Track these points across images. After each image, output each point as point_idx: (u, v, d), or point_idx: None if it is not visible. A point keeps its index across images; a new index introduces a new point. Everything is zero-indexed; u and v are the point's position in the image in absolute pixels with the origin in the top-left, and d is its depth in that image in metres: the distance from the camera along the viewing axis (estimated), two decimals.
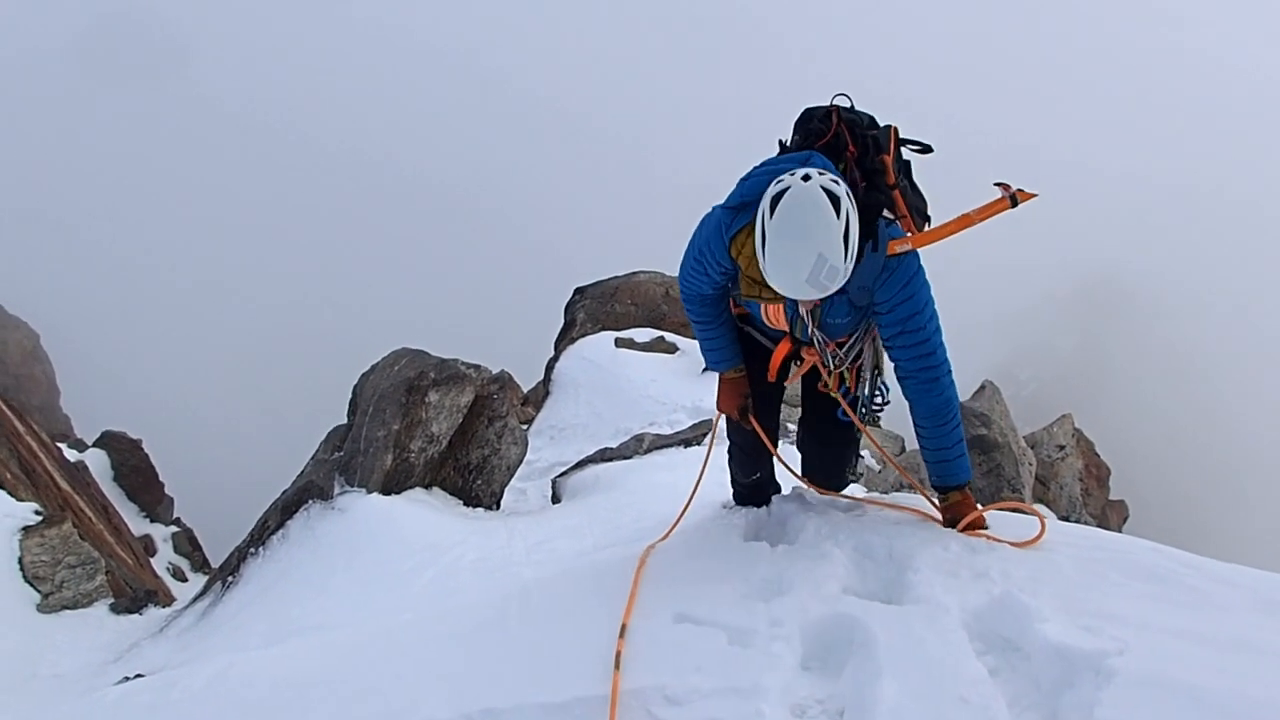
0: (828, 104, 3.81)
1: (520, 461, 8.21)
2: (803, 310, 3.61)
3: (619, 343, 14.04)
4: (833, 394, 3.98)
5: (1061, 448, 12.87)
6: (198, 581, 10.42)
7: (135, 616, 7.26)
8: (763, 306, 3.77)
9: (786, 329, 3.85)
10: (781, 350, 4.03)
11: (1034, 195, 3.50)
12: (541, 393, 13.96)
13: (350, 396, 8.18)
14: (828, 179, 3.17)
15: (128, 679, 4.90)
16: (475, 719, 2.70)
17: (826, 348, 3.82)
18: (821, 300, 3.46)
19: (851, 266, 3.18)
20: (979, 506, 3.68)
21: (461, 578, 5.15)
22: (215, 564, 8.36)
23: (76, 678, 5.97)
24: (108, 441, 13.83)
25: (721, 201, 3.75)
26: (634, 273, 17.32)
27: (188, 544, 12.07)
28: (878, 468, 9.16)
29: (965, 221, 3.49)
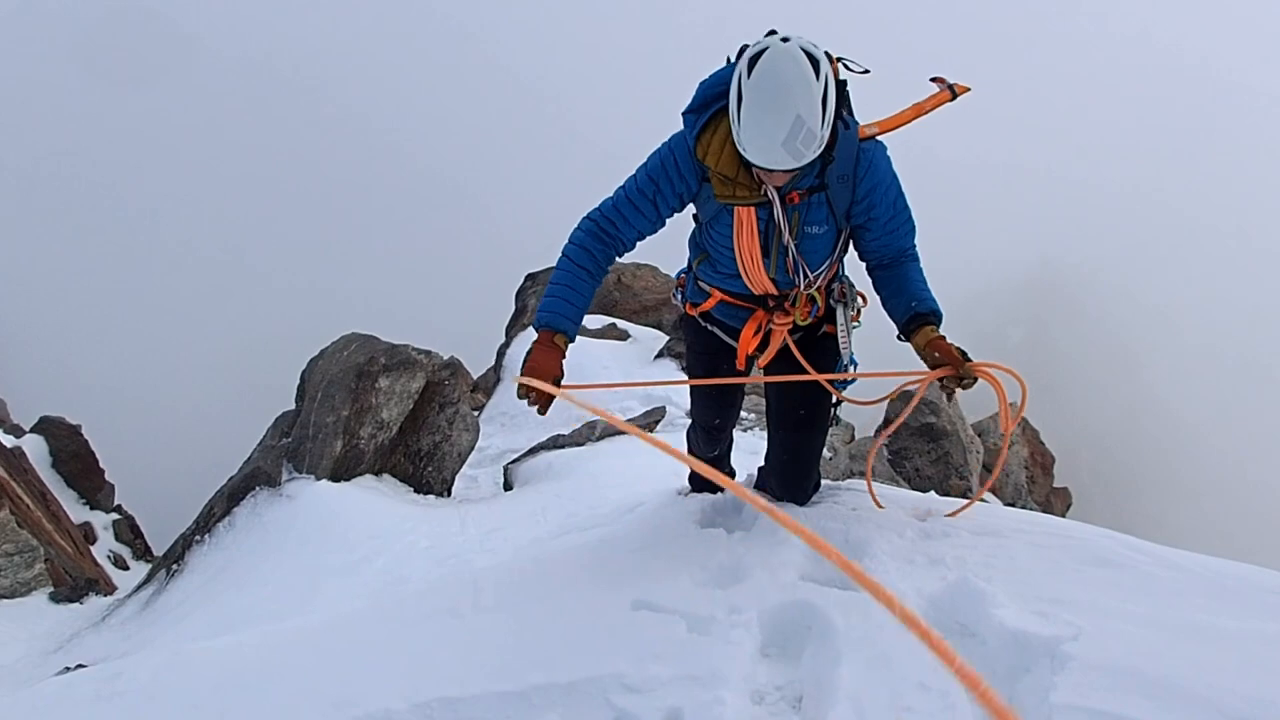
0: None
1: (472, 448, 8.15)
2: (778, 214, 3.44)
3: None
4: (801, 323, 3.82)
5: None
6: (140, 570, 10.20)
7: (76, 605, 7.10)
8: (735, 235, 3.57)
9: (760, 271, 3.63)
10: (749, 331, 3.87)
11: (968, 89, 3.62)
12: (492, 379, 13.87)
13: (299, 382, 8.04)
14: (805, 39, 3.08)
15: (69, 669, 4.78)
16: (431, 708, 2.65)
17: (800, 269, 3.64)
18: (799, 197, 3.39)
19: (827, 135, 3.10)
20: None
21: (413, 565, 5.08)
22: (158, 552, 8.18)
23: (15, 668, 5.82)
24: (46, 427, 13.46)
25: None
26: None
27: (129, 531, 11.78)
28: (828, 454, 9.22)
29: (917, 110, 3.58)
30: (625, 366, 12.48)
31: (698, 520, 3.97)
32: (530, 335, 14.02)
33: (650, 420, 9.33)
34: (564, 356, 3.64)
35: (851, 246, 3.78)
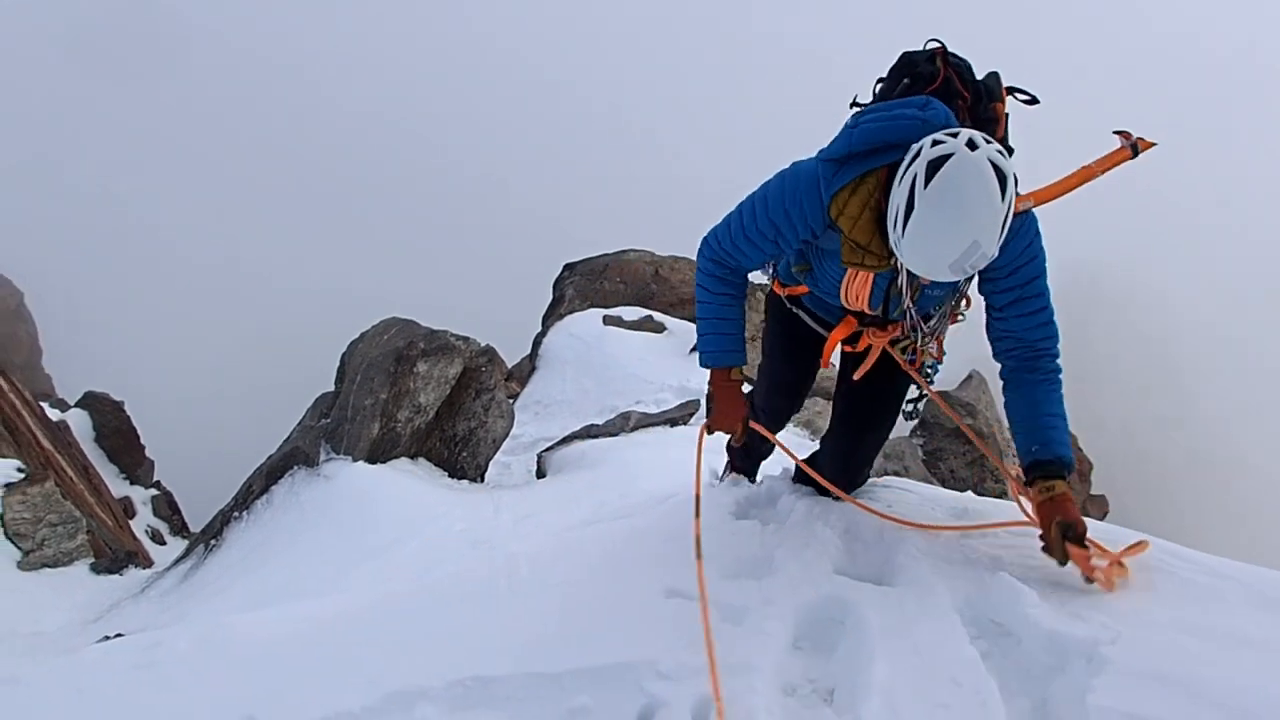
0: (927, 47, 3.36)
1: (506, 435, 8.19)
2: (902, 280, 3.17)
3: (607, 320, 14.03)
4: (904, 368, 3.52)
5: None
6: (176, 545, 10.37)
7: (115, 577, 7.23)
8: (847, 280, 3.29)
9: (863, 307, 3.35)
10: (842, 331, 3.55)
11: (1154, 144, 3.20)
12: (527, 368, 13.92)
13: (338, 364, 8.14)
14: (995, 149, 2.69)
15: (108, 638, 4.88)
16: (465, 686, 2.69)
17: (914, 322, 3.34)
18: None
19: (998, 252, 2.75)
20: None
21: (448, 548, 5.13)
22: (194, 529, 8.32)
23: (57, 636, 5.94)
24: (90, 402, 13.73)
25: (804, 159, 3.21)
26: (623, 251, 17.28)
27: (167, 508, 12.00)
28: None
29: (1087, 174, 3.17)
30: (661, 359, 12.50)
31: (732, 512, 3.97)
32: (569, 324, 14.09)
33: (684, 413, 9.33)
34: (743, 386, 3.58)
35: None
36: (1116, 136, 3.21)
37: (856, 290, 3.30)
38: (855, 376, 3.67)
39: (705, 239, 3.48)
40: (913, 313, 3.28)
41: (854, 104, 3.43)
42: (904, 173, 2.75)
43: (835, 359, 3.86)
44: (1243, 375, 65.35)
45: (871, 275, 3.21)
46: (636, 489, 5.92)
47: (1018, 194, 2.82)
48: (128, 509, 11.46)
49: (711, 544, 3.56)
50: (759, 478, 4.56)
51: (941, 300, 3.34)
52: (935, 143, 2.72)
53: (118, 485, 12.14)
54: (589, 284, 16.42)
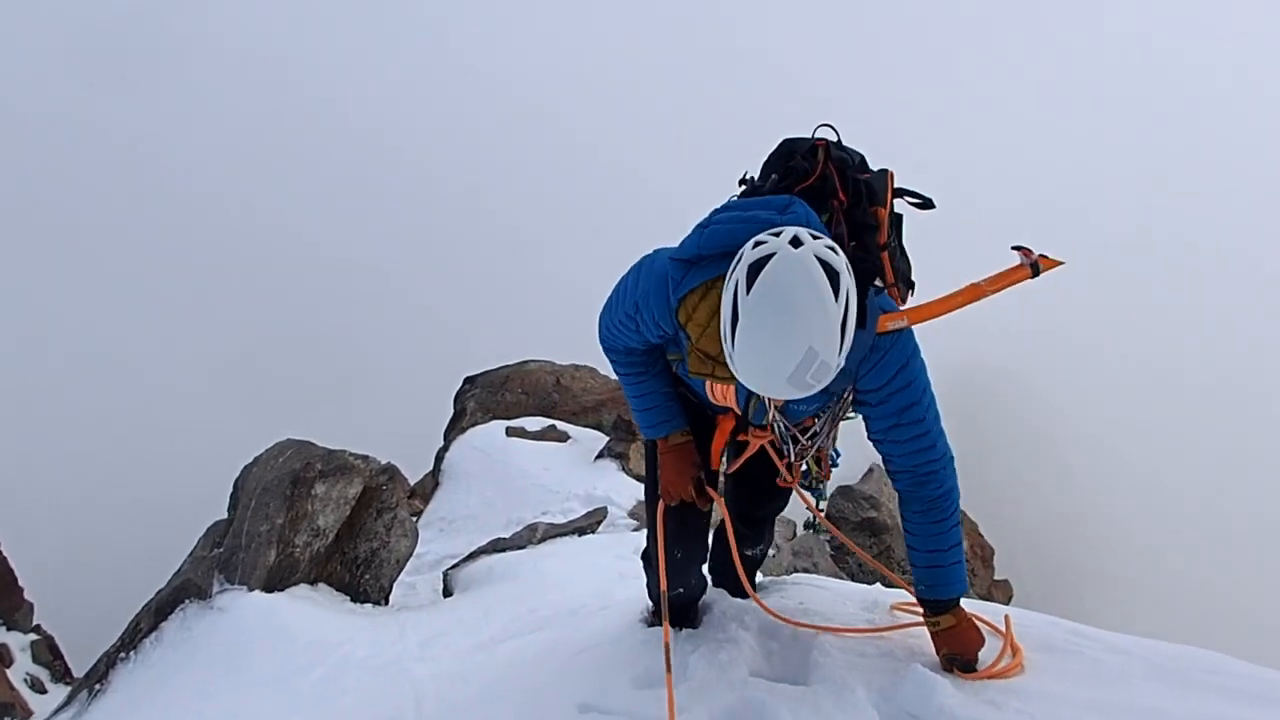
0: (811, 137, 3.15)
1: (410, 554, 7.97)
2: (766, 399, 2.98)
3: (510, 431, 13.92)
4: (788, 482, 3.33)
5: None
6: (58, 693, 9.71)
7: None
8: (708, 384, 3.10)
9: (732, 406, 3.15)
10: (724, 430, 3.33)
11: (1060, 263, 2.92)
12: (430, 484, 13.67)
13: (232, 490, 7.86)
14: (823, 245, 2.47)
15: None
16: None
17: (788, 433, 3.15)
18: None
19: (843, 362, 2.50)
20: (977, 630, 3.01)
21: (351, 677, 4.91)
22: (78, 674, 7.83)
23: None
24: None
25: (668, 247, 3.02)
26: (524, 361, 17.29)
27: (48, 652, 11.26)
28: (771, 551, 9.20)
29: (975, 293, 2.88)
30: (567, 468, 12.42)
31: (643, 619, 3.92)
32: (471, 437, 13.93)
33: (591, 521, 9.24)
34: (689, 451, 3.35)
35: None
36: (1016, 253, 2.92)
37: (721, 394, 3.11)
38: (728, 471, 3.57)
39: (599, 322, 3.32)
40: (781, 424, 3.10)
41: (742, 181, 3.28)
42: (728, 281, 2.51)
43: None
44: (1122, 463, 68.18)
45: (732, 391, 3.05)
46: (546, 601, 5.81)
47: (878, 300, 2.77)
48: (4, 657, 10.73)
49: (623, 653, 3.51)
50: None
51: (811, 411, 3.10)
52: (757, 244, 2.50)
53: None
54: (490, 396, 16.33)
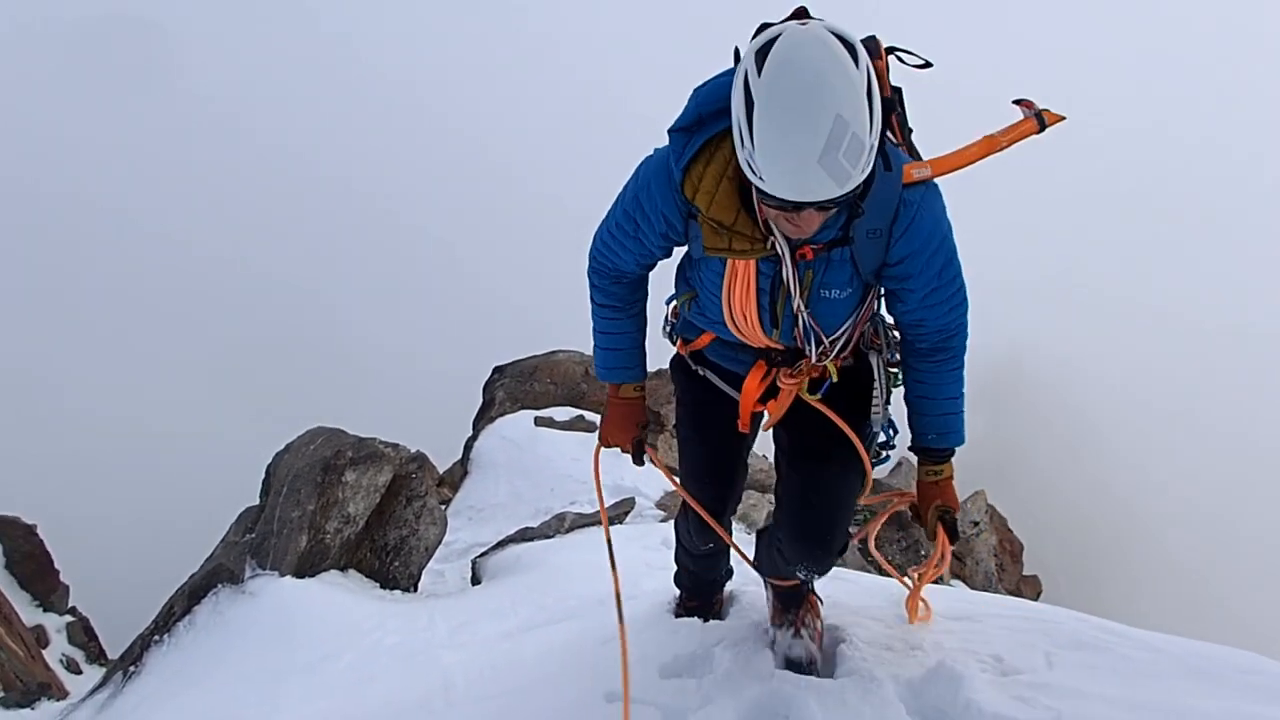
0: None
1: (439, 542, 8.03)
2: (787, 272, 2.64)
3: (538, 422, 13.97)
4: (846, 430, 2.96)
5: (976, 523, 13.11)
6: (93, 674, 9.88)
7: (27, 711, 6.85)
8: (725, 288, 2.79)
9: (755, 328, 2.83)
10: (753, 383, 3.02)
11: (1063, 117, 2.83)
12: (459, 473, 13.74)
13: (264, 476, 7.94)
14: (833, 24, 2.27)
15: None
16: None
17: (812, 336, 2.82)
18: (815, 251, 2.61)
19: (877, 145, 2.23)
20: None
21: (380, 663, 4.95)
22: (112, 655, 7.95)
23: None
24: (0, 528, 13.20)
25: (660, 147, 2.75)
26: (553, 351, 17.31)
27: (83, 634, 11.47)
28: None
29: (991, 144, 2.76)
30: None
31: (669, 609, 3.93)
32: (500, 427, 13.99)
33: (619, 511, 9.26)
34: (637, 408, 3.28)
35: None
36: (1016, 107, 2.84)
37: (739, 302, 2.80)
38: (765, 426, 3.27)
39: (589, 249, 3.13)
40: (805, 318, 2.77)
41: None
42: (736, 80, 2.28)
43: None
44: (1163, 451, 67.18)
45: (753, 276, 2.73)
46: (573, 591, 5.83)
47: (908, 143, 2.67)
48: (40, 638, 10.92)
49: (649, 642, 3.51)
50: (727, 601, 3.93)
51: (843, 306, 2.82)
52: (762, 35, 2.28)
53: (30, 613, 11.58)
54: (519, 386, 16.37)
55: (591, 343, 3.29)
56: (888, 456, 3.27)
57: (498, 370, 17.26)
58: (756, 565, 3.53)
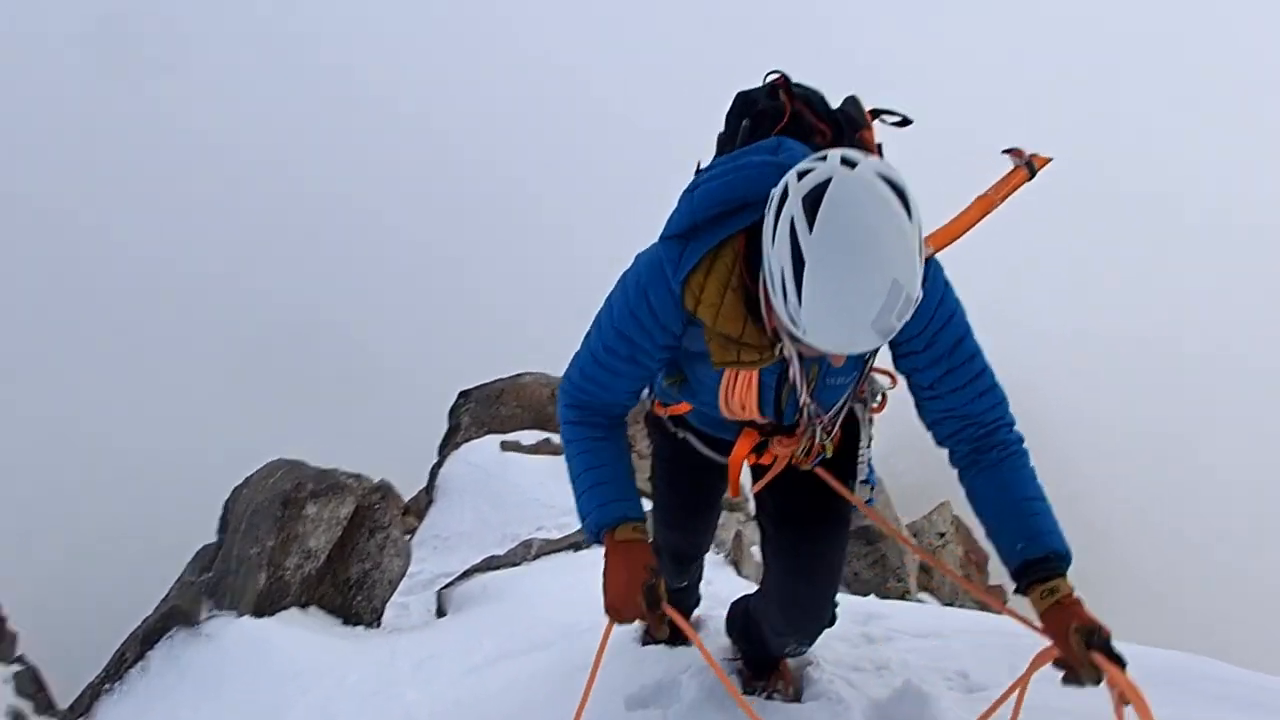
0: (765, 83, 2.79)
1: (403, 574, 7.89)
2: (794, 371, 2.52)
3: (505, 446, 13.83)
4: (832, 484, 2.89)
5: (942, 535, 13.13)
6: None
7: None
8: (725, 386, 2.64)
9: (753, 416, 2.69)
10: (742, 450, 2.84)
11: (1050, 159, 2.79)
12: (424, 501, 13.59)
13: (221, 512, 7.78)
14: (877, 162, 2.13)
15: None
16: None
17: (817, 423, 2.73)
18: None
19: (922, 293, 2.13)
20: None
21: (342, 703, 4.84)
22: (62, 705, 7.72)
23: None
24: None
25: (648, 250, 2.57)
26: (518, 374, 17.19)
27: (32, 684, 11.10)
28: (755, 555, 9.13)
29: (986, 204, 2.71)
30: (562, 483, 12.32)
31: (635, 637, 3.85)
32: (466, 452, 13.83)
33: (575, 540, 9.17)
34: (642, 550, 2.69)
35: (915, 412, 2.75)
36: (1006, 156, 2.80)
37: (739, 397, 2.66)
38: (755, 490, 3.05)
39: (562, 381, 2.83)
40: (812, 409, 2.69)
41: (698, 170, 2.79)
42: (773, 225, 2.16)
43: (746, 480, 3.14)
44: (1122, 473, 68.07)
45: (755, 375, 2.61)
46: (540, 619, 5.75)
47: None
48: None
49: (616, 673, 3.44)
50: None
51: (843, 389, 2.76)
52: (802, 174, 2.15)
53: None
54: (485, 410, 16.23)
55: (571, 481, 2.89)
56: (874, 500, 3.07)
57: (463, 395, 17.12)
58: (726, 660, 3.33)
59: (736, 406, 2.69)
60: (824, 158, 2.15)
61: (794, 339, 2.28)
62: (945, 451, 2.73)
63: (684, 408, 2.99)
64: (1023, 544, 2.52)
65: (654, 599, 2.60)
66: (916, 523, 13.01)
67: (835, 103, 2.84)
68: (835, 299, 2.08)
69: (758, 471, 3.04)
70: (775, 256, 2.14)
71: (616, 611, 2.69)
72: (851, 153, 2.14)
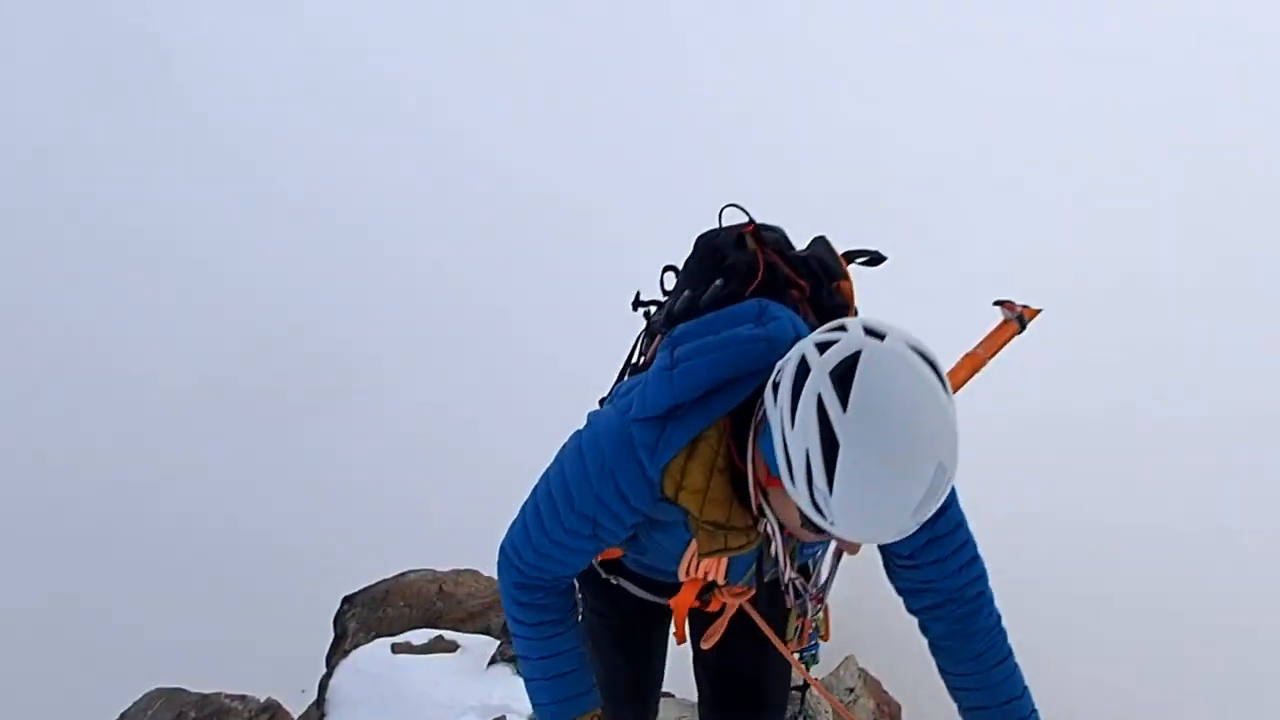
0: (722, 226, 2.63)
1: None
2: (777, 548, 2.38)
3: (395, 648, 13.33)
4: (773, 640, 2.75)
5: (851, 689, 13.06)
6: None
7: None
8: (689, 559, 2.50)
9: (718, 580, 2.57)
10: (688, 596, 2.68)
11: (1039, 311, 2.71)
12: (315, 717, 12.90)
13: None
14: (903, 331, 2.00)
15: None
16: None
17: (804, 591, 2.61)
18: None
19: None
20: None
21: None
22: None
23: None
24: None
25: (605, 416, 2.39)
26: (402, 573, 16.74)
27: None
28: None
29: (975, 362, 2.65)
30: (458, 680, 11.94)
31: None
32: (355, 660, 13.23)
33: None
34: None
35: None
36: (998, 308, 2.73)
37: (706, 569, 2.52)
38: (705, 645, 2.85)
39: (502, 552, 2.62)
40: (799, 582, 2.58)
41: (638, 303, 2.75)
42: (791, 404, 1.97)
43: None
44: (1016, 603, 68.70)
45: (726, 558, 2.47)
46: None
47: None
48: None
49: None
50: None
51: (823, 547, 2.63)
52: (822, 346, 2.00)
53: None
54: (371, 614, 15.67)
55: (525, 681, 2.69)
56: (816, 649, 2.94)
57: (347, 600, 16.50)
58: None
59: (701, 574, 2.55)
60: (843, 327, 2.05)
61: (811, 525, 2.11)
62: (913, 618, 2.67)
63: (616, 553, 2.81)
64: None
65: None
66: (825, 679, 12.93)
67: (798, 243, 2.71)
68: (876, 486, 1.91)
69: (697, 620, 2.87)
70: (796, 438, 1.97)
71: None
72: (874, 321, 2.02)
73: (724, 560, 2.50)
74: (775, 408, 2.04)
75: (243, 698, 7.53)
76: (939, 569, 2.48)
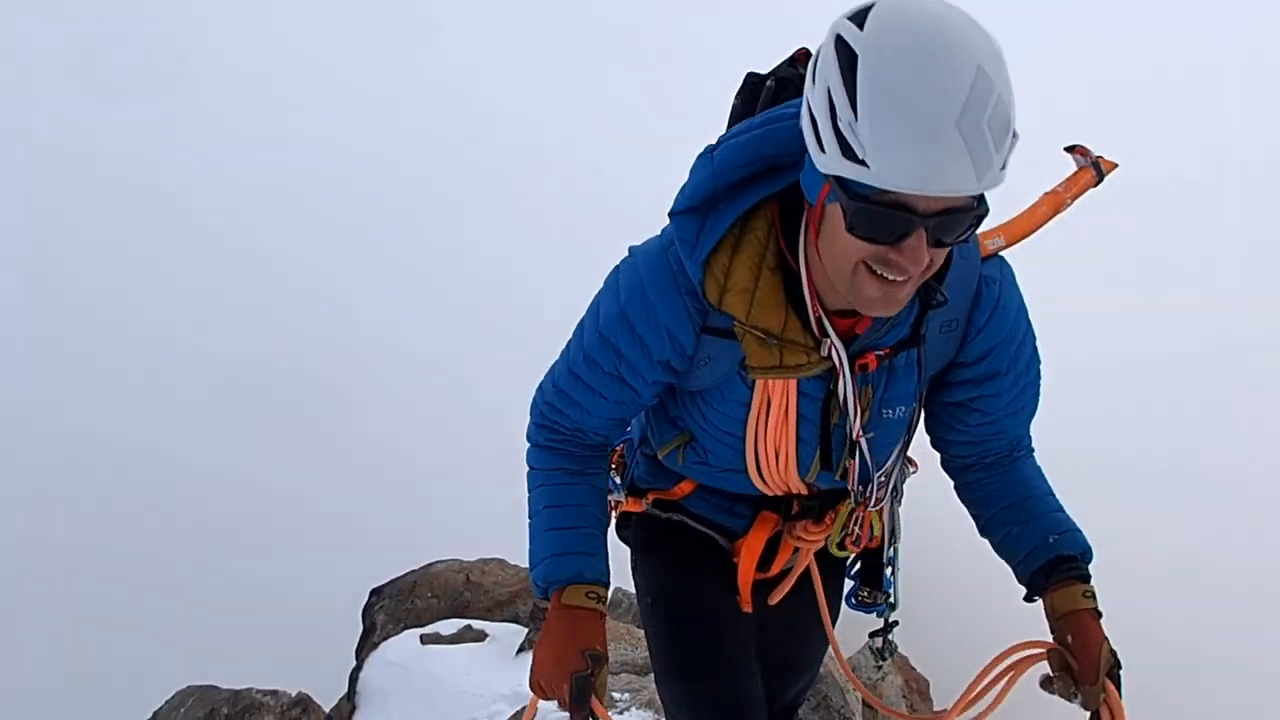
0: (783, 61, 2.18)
1: None
2: (845, 388, 2.03)
3: (424, 639, 13.45)
4: (820, 601, 2.65)
5: (879, 666, 13.07)
6: None
7: None
8: (754, 421, 2.13)
9: (789, 477, 2.24)
10: (757, 544, 2.40)
11: (1116, 165, 2.37)
12: (347, 709, 13.01)
13: None
14: None
15: None
16: None
17: (867, 473, 2.27)
18: (878, 359, 2.03)
19: (1017, 130, 1.64)
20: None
21: None
22: None
23: None
24: None
25: (651, 242, 2.11)
26: (430, 564, 16.88)
27: None
28: None
29: (1056, 202, 2.32)
30: (488, 668, 12.03)
31: None
32: (385, 652, 13.36)
33: None
34: (589, 623, 2.19)
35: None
36: (1070, 155, 2.43)
37: (774, 438, 2.15)
38: (772, 600, 2.61)
39: (534, 396, 2.38)
40: (864, 447, 2.20)
41: (734, 111, 2.31)
42: (812, 70, 1.71)
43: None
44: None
45: (793, 400, 2.10)
46: None
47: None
48: None
49: None
50: None
51: (900, 424, 2.29)
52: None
53: None
54: (399, 605, 15.81)
55: (528, 515, 2.36)
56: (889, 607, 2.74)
57: (375, 592, 16.63)
58: None
59: (768, 454, 2.20)
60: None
61: (858, 202, 1.67)
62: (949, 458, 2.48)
63: (682, 490, 2.51)
64: (1055, 537, 2.31)
65: (582, 694, 2.11)
66: (853, 657, 12.91)
67: None
68: (905, 90, 1.57)
69: (759, 589, 2.59)
70: (817, 90, 1.68)
71: (538, 684, 2.25)
72: None
73: (791, 422, 2.13)
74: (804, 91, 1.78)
75: (274, 693, 7.60)
76: (1015, 421, 2.28)
